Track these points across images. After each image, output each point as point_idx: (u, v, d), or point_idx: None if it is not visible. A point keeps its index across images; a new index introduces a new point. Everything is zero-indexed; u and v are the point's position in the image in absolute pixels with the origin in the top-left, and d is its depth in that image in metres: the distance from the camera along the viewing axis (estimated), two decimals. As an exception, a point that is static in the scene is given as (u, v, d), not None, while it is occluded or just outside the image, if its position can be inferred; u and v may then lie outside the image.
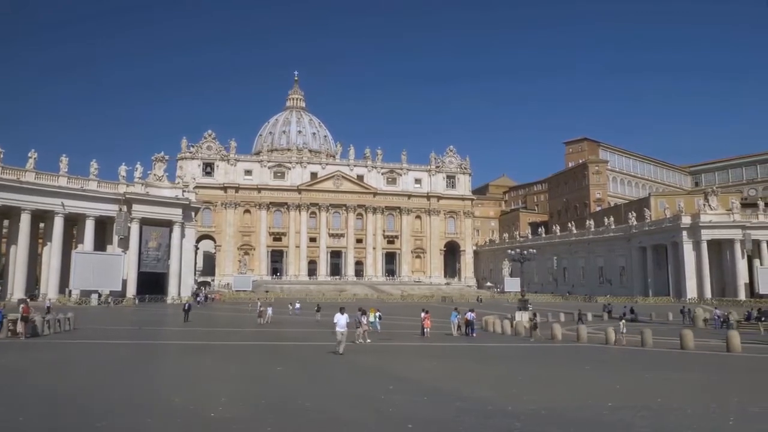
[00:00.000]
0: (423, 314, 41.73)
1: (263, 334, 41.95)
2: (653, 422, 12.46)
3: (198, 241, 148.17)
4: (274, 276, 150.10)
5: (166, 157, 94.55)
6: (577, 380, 20.48)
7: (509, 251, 70.78)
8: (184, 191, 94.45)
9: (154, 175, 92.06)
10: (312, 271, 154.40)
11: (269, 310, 54.26)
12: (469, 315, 43.49)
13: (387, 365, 23.08)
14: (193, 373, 21.30)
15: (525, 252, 65.28)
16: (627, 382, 19.68)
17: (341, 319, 28.18)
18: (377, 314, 45.21)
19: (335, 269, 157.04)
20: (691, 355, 30.10)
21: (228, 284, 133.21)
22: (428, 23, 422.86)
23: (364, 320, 35.07)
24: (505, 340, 40.36)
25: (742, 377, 22.39)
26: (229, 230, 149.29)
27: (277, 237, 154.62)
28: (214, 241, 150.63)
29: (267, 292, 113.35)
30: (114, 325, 47.67)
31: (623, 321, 40.50)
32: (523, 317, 54.60)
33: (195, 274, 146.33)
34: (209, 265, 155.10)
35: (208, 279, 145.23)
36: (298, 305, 68.58)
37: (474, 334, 42.14)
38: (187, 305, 52.30)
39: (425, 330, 40.91)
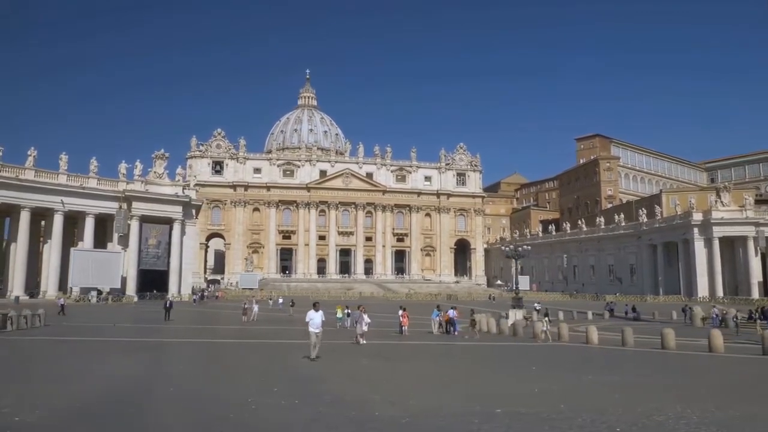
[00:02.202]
0: (401, 312, 40.95)
1: (235, 332, 41.34)
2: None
3: (208, 239, 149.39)
4: (284, 274, 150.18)
5: (167, 155, 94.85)
6: (498, 382, 19.27)
7: (502, 248, 69.49)
8: (184, 189, 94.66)
9: (155, 172, 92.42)
10: (321, 269, 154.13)
11: (255, 308, 53.70)
12: (451, 313, 42.58)
13: (314, 366, 21.90)
14: (74, 373, 20.12)
15: (519, 249, 64.03)
16: (554, 386, 18.16)
17: (315, 318, 23.53)
18: (346, 311, 44.90)
19: (344, 267, 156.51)
20: (664, 356, 28.59)
21: (236, 282, 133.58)
22: (438, 22, 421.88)
23: (365, 319, 33.04)
24: (483, 339, 39.00)
25: (693, 380, 20.75)
26: (238, 228, 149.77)
27: (287, 235, 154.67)
28: (224, 239, 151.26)
29: (262, 290, 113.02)
30: (93, 322, 47.36)
31: (546, 318, 40.47)
32: (516, 315, 53.52)
33: (205, 272, 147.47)
34: (220, 263, 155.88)
35: (218, 277, 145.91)
36: (280, 300, 70.91)
37: (456, 333, 41.09)
38: (168, 303, 51.60)
39: (403, 328, 39.95)
